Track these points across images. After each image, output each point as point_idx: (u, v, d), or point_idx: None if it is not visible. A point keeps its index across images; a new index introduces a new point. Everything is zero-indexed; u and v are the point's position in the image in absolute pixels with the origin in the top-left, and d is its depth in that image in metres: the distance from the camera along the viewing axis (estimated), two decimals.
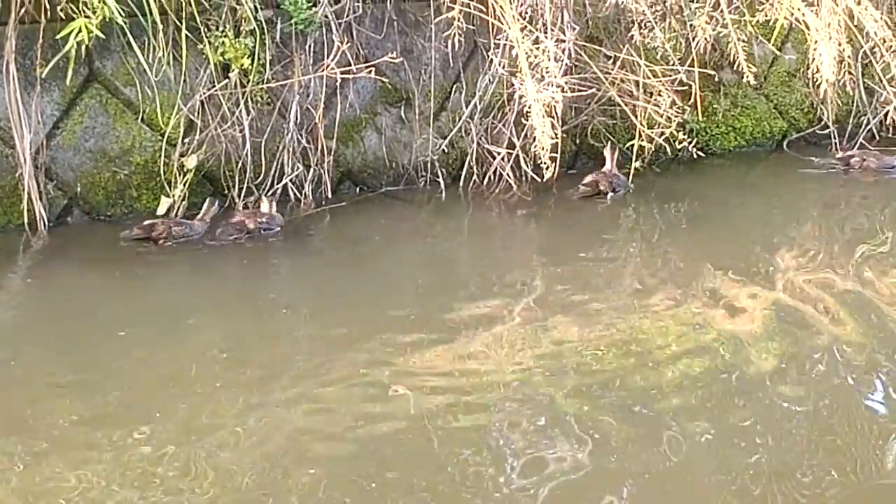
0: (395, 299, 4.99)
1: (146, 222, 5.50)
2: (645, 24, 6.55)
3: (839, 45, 6.87)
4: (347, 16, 5.96)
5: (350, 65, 5.88)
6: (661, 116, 6.44)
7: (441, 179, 6.33)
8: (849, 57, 6.97)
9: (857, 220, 6.47)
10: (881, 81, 7.08)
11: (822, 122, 7.20)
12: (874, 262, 5.62)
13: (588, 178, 6.50)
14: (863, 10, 6.94)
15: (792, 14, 6.91)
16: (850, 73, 7.06)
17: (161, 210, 5.61)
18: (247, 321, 4.75)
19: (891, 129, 7.12)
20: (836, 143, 7.15)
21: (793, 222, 6.34)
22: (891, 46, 6.99)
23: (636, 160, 6.48)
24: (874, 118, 7.24)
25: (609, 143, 6.64)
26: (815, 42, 6.87)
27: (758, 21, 6.92)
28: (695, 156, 6.54)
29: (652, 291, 5.18)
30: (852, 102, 7.25)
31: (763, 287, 5.30)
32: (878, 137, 7.27)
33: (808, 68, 6.98)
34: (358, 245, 5.65)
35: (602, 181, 6.48)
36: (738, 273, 5.44)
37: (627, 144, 6.53)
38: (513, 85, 6.13)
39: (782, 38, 7.16)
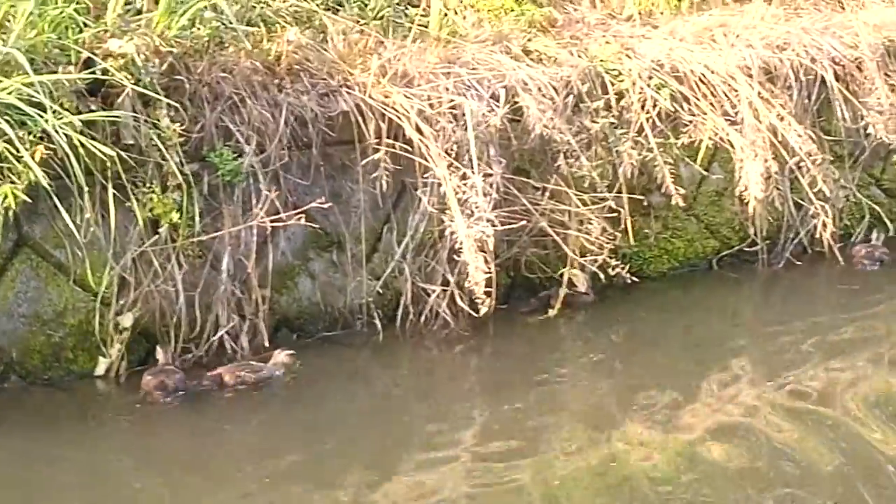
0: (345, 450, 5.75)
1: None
2: (571, 154, 7.51)
3: (765, 161, 7.93)
4: (274, 164, 6.81)
5: (279, 212, 6.71)
6: (593, 244, 7.37)
7: (377, 321, 7.13)
8: (775, 173, 8.02)
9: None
10: (808, 195, 8.12)
11: (752, 239, 8.17)
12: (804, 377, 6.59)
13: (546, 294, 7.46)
14: (786, 126, 8.03)
15: (716, 134, 7.98)
16: (777, 188, 8.09)
17: (100, 370, 6.31)
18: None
19: (822, 242, 8.13)
20: (764, 259, 8.14)
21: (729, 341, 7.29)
22: (816, 160, 8.07)
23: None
24: (804, 232, 8.25)
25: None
26: (741, 160, 7.93)
27: (683, 143, 7.95)
28: (629, 281, 7.46)
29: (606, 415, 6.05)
30: (782, 217, 8.24)
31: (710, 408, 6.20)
32: (809, 251, 8.27)
33: (735, 186, 8.01)
34: (299, 395, 6.40)
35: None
36: (683, 392, 6.32)
37: (559, 272, 7.42)
38: (443, 222, 7.01)
39: (708, 159, 8.17)
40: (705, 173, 8.22)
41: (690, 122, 7.95)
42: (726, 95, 8.00)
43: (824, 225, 8.10)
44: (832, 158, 8.39)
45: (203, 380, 6.39)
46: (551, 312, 7.38)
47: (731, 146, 7.95)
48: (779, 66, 8.24)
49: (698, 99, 7.96)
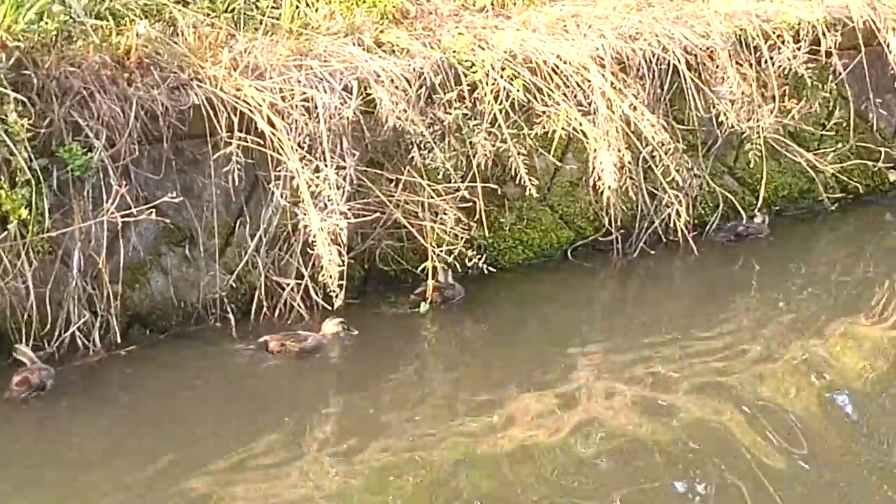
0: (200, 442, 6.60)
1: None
2: (424, 145, 8.44)
3: (619, 151, 8.95)
4: (124, 159, 7.59)
5: (130, 207, 7.49)
6: (448, 235, 8.31)
7: (231, 315, 7.96)
8: (629, 162, 9.05)
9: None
10: (662, 184, 9.18)
11: (606, 229, 9.21)
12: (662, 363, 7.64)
13: (420, 289, 8.34)
14: (639, 116, 9.07)
15: (569, 124, 8.99)
16: (631, 178, 9.14)
17: None
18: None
19: (676, 231, 9.20)
20: (618, 249, 9.19)
21: (583, 329, 8.32)
22: (669, 149, 9.13)
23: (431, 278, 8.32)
24: (658, 221, 9.32)
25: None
26: (595, 150, 8.94)
27: (536, 133, 8.95)
28: (485, 271, 8.42)
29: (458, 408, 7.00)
30: (636, 207, 9.29)
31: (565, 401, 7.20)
32: (664, 240, 9.34)
33: (589, 176, 9.03)
34: (147, 391, 7.22)
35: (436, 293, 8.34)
36: (539, 387, 7.31)
37: (421, 268, 8.34)
38: (296, 215, 7.87)
39: (562, 149, 9.19)
40: (559, 164, 9.24)
41: (544, 112, 8.95)
42: (579, 86, 9.01)
43: (678, 214, 9.18)
44: (685, 147, 9.49)
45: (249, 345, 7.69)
46: (423, 307, 8.30)
47: (585, 136, 8.96)
48: (631, 56, 9.30)
49: (551, 89, 8.96)
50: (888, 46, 10.32)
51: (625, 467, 6.54)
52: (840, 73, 10.20)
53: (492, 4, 9.41)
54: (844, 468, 6.55)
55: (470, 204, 8.55)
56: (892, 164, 10.43)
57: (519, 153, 8.72)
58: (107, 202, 7.44)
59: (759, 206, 9.77)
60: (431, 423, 7.00)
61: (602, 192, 8.94)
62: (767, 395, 7.32)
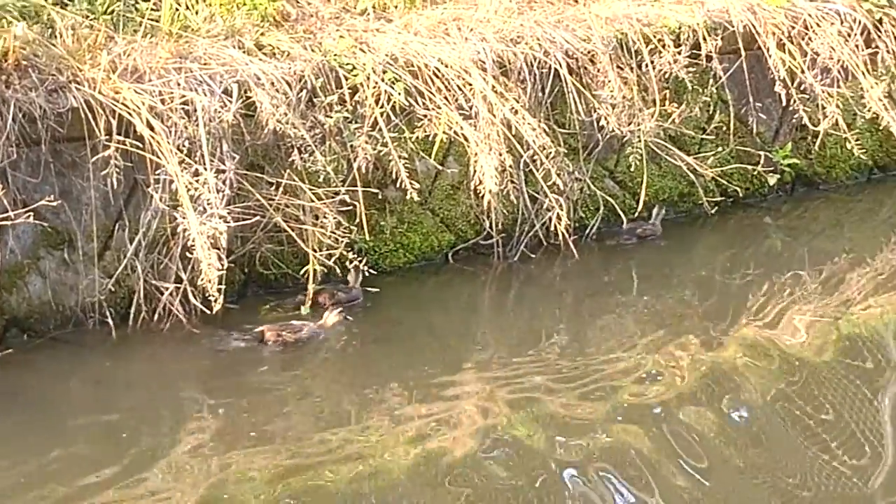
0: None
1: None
2: (305, 149, 8.98)
3: (500, 155, 9.56)
4: (1, 162, 8.02)
5: (7, 211, 7.93)
6: (329, 239, 8.85)
7: (110, 319, 8.44)
8: (510, 166, 9.67)
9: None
10: (543, 188, 9.81)
11: (487, 233, 9.82)
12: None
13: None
14: (520, 119, 9.69)
15: (451, 128, 9.58)
16: (512, 181, 9.75)
17: None
18: None
19: (557, 235, 9.84)
20: (499, 252, 9.82)
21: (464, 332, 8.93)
22: (550, 153, 9.77)
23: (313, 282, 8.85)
24: (539, 225, 9.95)
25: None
26: (476, 154, 9.55)
27: (417, 137, 9.52)
28: (365, 274, 8.99)
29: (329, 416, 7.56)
30: (517, 210, 9.92)
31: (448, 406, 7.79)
32: (545, 244, 9.98)
33: (470, 180, 9.62)
34: (22, 394, 7.67)
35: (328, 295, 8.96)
36: (422, 389, 7.90)
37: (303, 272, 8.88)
38: (176, 219, 8.36)
39: (443, 153, 9.78)
40: (440, 167, 9.83)
41: (425, 116, 9.53)
42: (461, 89, 9.61)
43: (559, 217, 9.80)
44: (566, 151, 10.14)
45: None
46: (303, 310, 8.85)
47: (466, 140, 9.56)
48: (513, 60, 9.93)
49: (433, 93, 9.55)
50: (768, 50, 11.06)
51: (510, 473, 7.09)
52: (720, 77, 10.92)
53: (373, 7, 9.98)
54: (740, 483, 7.16)
55: (351, 208, 9.10)
56: (771, 168, 11.17)
57: (400, 157, 9.27)
58: None
59: (639, 209, 10.45)
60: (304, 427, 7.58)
61: (483, 196, 9.52)
62: (653, 401, 7.87)
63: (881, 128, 11.45)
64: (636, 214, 10.47)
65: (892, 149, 11.75)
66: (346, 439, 7.28)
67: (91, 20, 8.72)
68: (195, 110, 8.55)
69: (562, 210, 9.81)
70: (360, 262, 8.94)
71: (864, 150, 11.28)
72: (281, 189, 8.95)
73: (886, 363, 8.49)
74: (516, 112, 9.72)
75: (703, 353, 8.55)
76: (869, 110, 11.26)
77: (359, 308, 9.05)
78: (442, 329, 9.07)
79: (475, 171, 9.56)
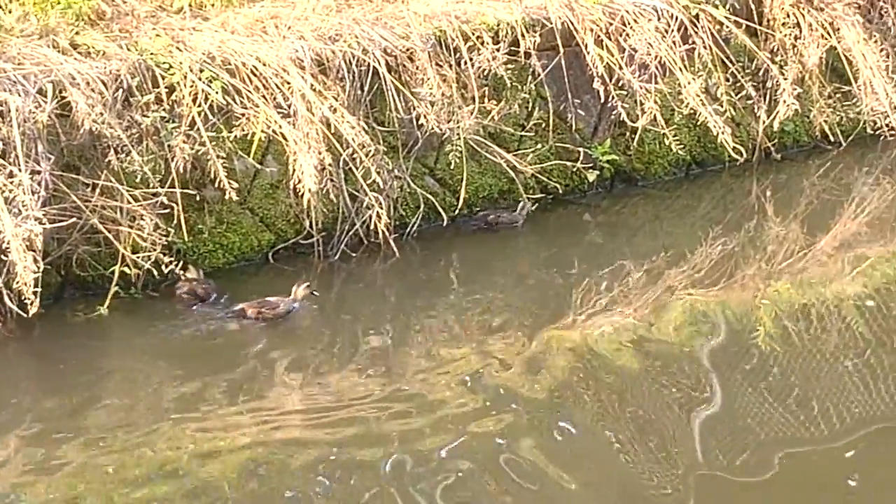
0: None
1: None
2: (121, 149, 9.64)
3: (319, 153, 10.33)
4: None
5: None
6: (146, 240, 9.52)
7: None
8: (330, 165, 10.45)
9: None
10: (363, 187, 10.61)
11: (307, 232, 10.60)
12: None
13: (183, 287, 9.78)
14: (339, 118, 10.48)
15: (269, 127, 10.32)
16: (332, 180, 10.53)
17: None
18: None
19: (377, 233, 10.65)
20: (320, 251, 10.60)
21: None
22: (369, 151, 10.57)
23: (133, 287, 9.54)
24: (360, 223, 10.75)
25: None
26: (295, 153, 10.29)
27: (236, 136, 10.24)
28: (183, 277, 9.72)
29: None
30: (337, 209, 10.71)
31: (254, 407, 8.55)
32: (365, 242, 10.78)
33: (290, 179, 10.37)
34: None
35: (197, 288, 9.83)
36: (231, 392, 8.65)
37: (110, 270, 9.56)
38: None
39: (262, 152, 10.53)
40: (259, 166, 10.58)
41: (243, 115, 10.27)
42: (279, 88, 10.38)
43: (379, 216, 10.62)
44: (386, 149, 10.97)
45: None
46: (102, 309, 9.53)
47: (285, 139, 10.31)
48: (331, 58, 10.73)
49: (251, 92, 10.30)
50: (586, 47, 12.02)
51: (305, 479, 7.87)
52: (539, 74, 11.86)
53: (189, 6, 10.67)
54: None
55: (168, 208, 9.78)
56: (590, 165, 12.14)
57: (218, 156, 9.99)
58: None
59: (459, 206, 11.34)
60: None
61: (303, 195, 10.29)
62: (470, 409, 8.55)
63: (699, 123, 12.51)
64: (456, 212, 11.34)
65: (709, 144, 12.79)
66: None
67: None
68: (9, 111, 9.16)
69: (382, 208, 10.62)
70: (178, 264, 9.65)
71: (682, 146, 12.36)
72: (98, 190, 9.59)
73: (699, 364, 9.43)
74: (335, 110, 10.50)
75: (524, 350, 9.38)
76: (686, 106, 12.32)
77: (165, 305, 9.83)
78: (257, 329, 9.77)
79: (294, 170, 10.31)
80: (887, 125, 13.24)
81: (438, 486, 7.66)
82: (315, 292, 9.99)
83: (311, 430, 8.24)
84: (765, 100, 13.01)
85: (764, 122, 12.99)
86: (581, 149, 12.11)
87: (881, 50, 13.45)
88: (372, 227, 10.70)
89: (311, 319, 10.00)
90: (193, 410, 8.43)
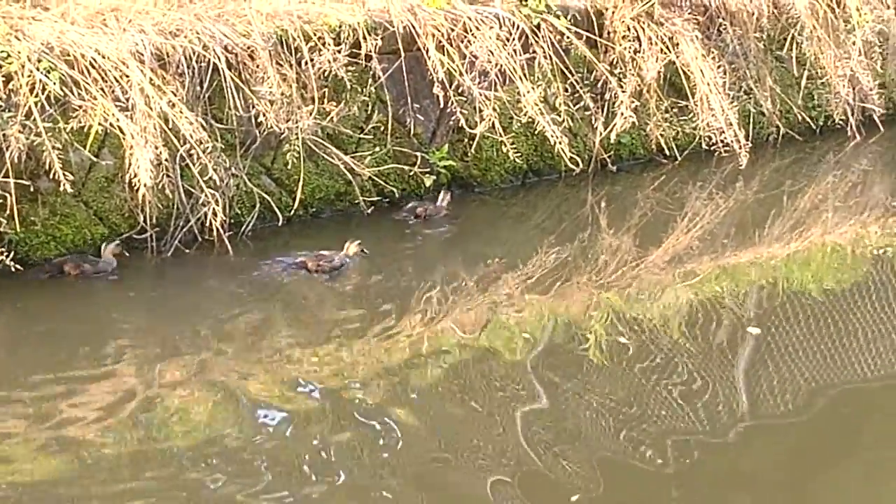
0: None
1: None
2: None
3: (156, 148, 10.90)
4: None
5: None
6: None
7: None
8: (166, 160, 11.02)
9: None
10: (199, 183, 11.21)
11: (142, 226, 11.17)
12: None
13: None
14: (178, 113, 11.06)
15: (107, 119, 10.86)
16: (168, 176, 11.11)
17: None
18: None
19: (212, 230, 11.26)
20: (153, 247, 11.18)
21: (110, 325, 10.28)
22: (207, 148, 11.17)
23: None
24: (195, 220, 11.35)
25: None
26: (132, 147, 10.86)
27: (73, 128, 10.78)
28: (13, 269, 10.21)
29: None
30: (172, 205, 11.30)
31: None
32: (199, 239, 11.39)
33: (126, 173, 10.93)
34: None
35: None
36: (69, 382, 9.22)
37: None
38: None
39: (99, 144, 11.08)
40: (95, 159, 11.13)
41: (81, 107, 10.80)
42: (118, 81, 10.93)
43: (214, 213, 11.23)
44: (223, 147, 11.62)
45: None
46: None
47: (122, 132, 10.86)
48: (171, 53, 11.32)
49: (89, 84, 10.83)
50: (427, 52, 12.79)
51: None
52: (379, 77, 12.60)
53: None
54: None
55: (1, 199, 10.29)
56: (427, 170, 12.89)
57: (54, 147, 10.52)
58: None
59: (295, 207, 11.99)
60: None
61: (138, 189, 10.84)
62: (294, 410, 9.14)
63: (537, 132, 13.35)
64: (292, 212, 12.00)
65: (546, 153, 13.64)
66: None
67: None
68: None
69: (217, 206, 11.24)
70: (7, 255, 10.18)
71: (519, 154, 13.20)
72: None
73: (525, 370, 10.16)
74: (174, 105, 11.10)
75: (349, 358, 9.96)
76: (525, 115, 13.14)
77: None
78: (84, 323, 10.29)
79: (130, 164, 10.86)
80: (722, 141, 14.23)
81: None
82: (365, 251, 11.45)
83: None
84: (602, 111, 13.93)
85: (601, 134, 13.91)
86: (419, 153, 12.86)
87: (719, 66, 14.47)
88: (207, 224, 11.31)
89: (147, 314, 10.67)
90: None
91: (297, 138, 11.91)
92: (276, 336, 10.30)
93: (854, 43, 15.94)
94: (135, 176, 10.83)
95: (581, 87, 13.75)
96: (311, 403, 9.24)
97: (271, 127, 11.78)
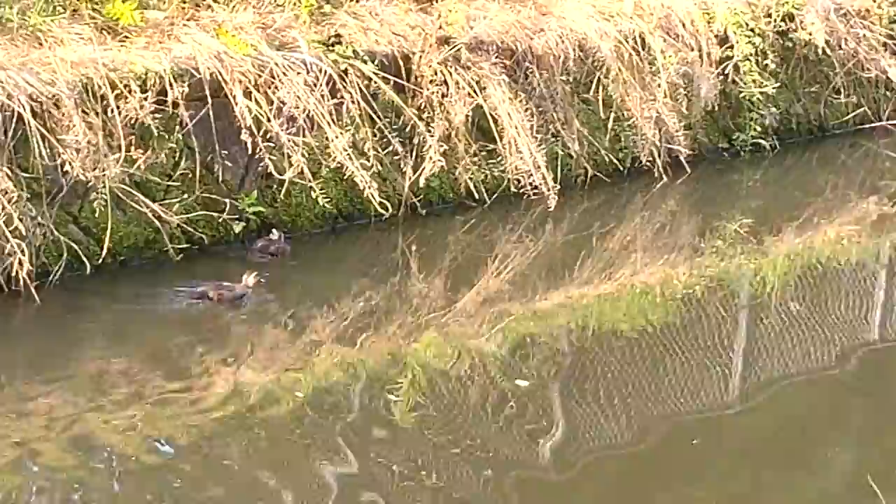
0: None
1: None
2: None
3: None
4: None
5: None
6: None
7: None
8: None
9: None
10: (5, 233, 11.40)
11: None
12: None
13: None
14: None
15: None
16: None
17: None
18: None
19: (18, 280, 11.47)
20: None
21: None
22: (13, 198, 11.42)
23: None
24: (1, 270, 11.54)
25: None
26: None
27: None
28: None
29: None
30: None
31: None
32: (6, 289, 11.59)
33: None
34: None
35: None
36: None
37: None
38: None
39: None
40: None
41: None
42: None
43: (20, 263, 11.44)
44: (29, 196, 11.79)
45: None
46: None
47: None
48: None
49: None
50: (234, 98, 13.14)
51: None
52: (187, 124, 12.87)
53: None
54: None
55: None
56: (237, 216, 13.20)
57: None
58: None
59: (103, 255, 12.24)
60: None
61: None
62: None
63: (346, 177, 13.75)
64: (100, 261, 12.24)
65: (356, 198, 14.01)
66: None
67: None
68: None
69: (24, 255, 11.44)
70: None
71: (329, 199, 13.59)
72: None
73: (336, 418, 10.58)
74: None
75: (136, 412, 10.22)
76: (334, 160, 13.58)
77: None
78: None
79: None
80: (530, 184, 14.80)
81: None
82: (262, 280, 12.21)
83: None
84: (411, 156, 14.39)
85: (410, 178, 14.36)
86: (228, 199, 13.15)
87: (526, 110, 15.04)
88: (13, 273, 11.51)
89: None
90: None
91: (105, 186, 12.12)
92: None
93: (659, 85, 16.67)
94: None
95: (389, 132, 14.19)
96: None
97: (78, 175, 12.01)
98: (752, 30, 18.09)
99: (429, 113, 14.59)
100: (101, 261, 12.31)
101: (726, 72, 17.92)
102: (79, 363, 11.14)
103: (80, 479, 9.18)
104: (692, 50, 17.45)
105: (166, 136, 12.78)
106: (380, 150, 14.11)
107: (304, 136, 13.43)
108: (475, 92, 14.78)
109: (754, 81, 18.01)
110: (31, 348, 11.39)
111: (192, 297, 12.04)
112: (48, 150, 11.94)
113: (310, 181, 13.39)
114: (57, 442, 9.69)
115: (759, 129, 18.24)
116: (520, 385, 11.04)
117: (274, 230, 13.27)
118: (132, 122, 12.45)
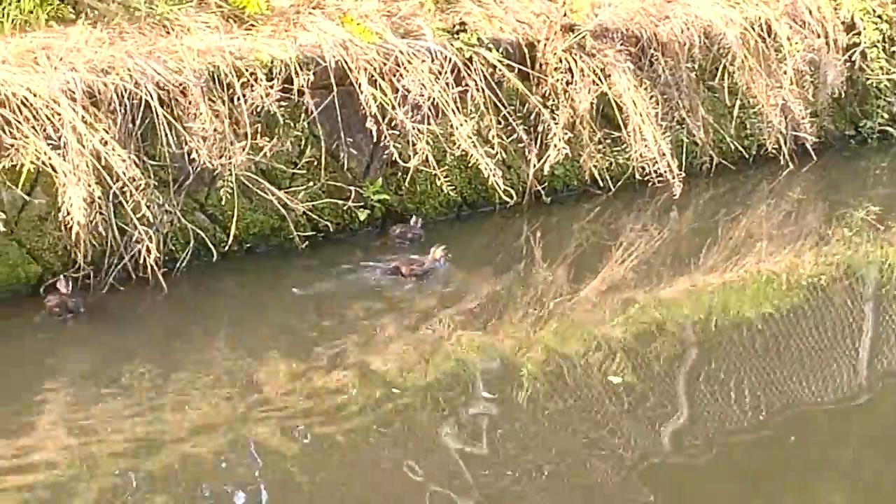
0: None
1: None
2: None
3: (88, 186, 11.15)
4: None
5: None
6: None
7: None
8: (99, 198, 11.28)
9: None
10: (133, 220, 11.46)
11: (78, 265, 11.40)
12: None
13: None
14: (110, 151, 11.32)
15: (39, 158, 11.11)
16: (101, 213, 11.36)
17: None
18: None
19: (146, 267, 11.51)
20: (93, 284, 11.42)
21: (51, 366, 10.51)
22: (140, 185, 11.44)
23: None
24: (129, 257, 11.59)
25: None
26: (64, 185, 11.10)
27: (4, 167, 11.02)
28: None
29: None
30: (106, 243, 11.53)
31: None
32: (134, 277, 11.63)
33: (59, 211, 11.16)
34: None
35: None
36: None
37: None
38: None
39: (31, 183, 11.31)
40: (27, 198, 11.36)
41: (12, 145, 11.05)
42: (49, 119, 11.18)
43: (148, 250, 11.48)
44: (157, 183, 11.85)
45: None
46: None
47: (54, 170, 11.11)
48: (103, 91, 11.57)
49: (21, 122, 11.08)
50: (359, 86, 13.11)
51: None
52: (312, 112, 12.88)
53: None
54: None
55: None
56: (362, 204, 13.18)
57: None
58: None
59: (230, 243, 12.27)
60: None
61: (71, 228, 11.10)
62: None
63: (470, 165, 13.70)
64: (227, 248, 12.26)
65: (480, 186, 13.96)
66: None
67: None
68: None
69: (151, 243, 11.48)
70: None
71: (453, 187, 13.54)
72: None
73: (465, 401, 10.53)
74: (106, 143, 11.35)
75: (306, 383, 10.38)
76: (458, 147, 13.51)
77: None
78: (26, 361, 10.54)
79: (63, 203, 11.12)
80: (655, 171, 14.62)
81: None
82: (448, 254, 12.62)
83: None
84: (536, 143, 14.29)
85: (534, 166, 14.27)
86: (353, 187, 13.15)
87: (651, 97, 14.86)
88: (141, 261, 11.55)
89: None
90: None
91: (231, 174, 12.19)
92: None
93: (785, 72, 16.42)
94: (67, 214, 11.08)
95: (514, 120, 14.11)
96: None
97: (204, 163, 12.06)
98: (879, 16, 17.80)
99: (553, 100, 14.47)
100: (227, 248, 12.33)
101: (853, 59, 17.62)
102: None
103: None
104: (818, 37, 17.16)
105: (292, 124, 12.80)
106: (504, 137, 14.03)
107: (428, 123, 13.39)
108: (600, 79, 14.64)
109: (881, 68, 17.73)
110: (160, 334, 11.43)
111: (386, 272, 12.39)
112: (175, 138, 12.00)
113: (434, 169, 13.34)
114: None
115: (886, 116, 17.96)
116: (643, 373, 10.90)
117: (413, 217, 13.28)
118: (258, 109, 12.47)
